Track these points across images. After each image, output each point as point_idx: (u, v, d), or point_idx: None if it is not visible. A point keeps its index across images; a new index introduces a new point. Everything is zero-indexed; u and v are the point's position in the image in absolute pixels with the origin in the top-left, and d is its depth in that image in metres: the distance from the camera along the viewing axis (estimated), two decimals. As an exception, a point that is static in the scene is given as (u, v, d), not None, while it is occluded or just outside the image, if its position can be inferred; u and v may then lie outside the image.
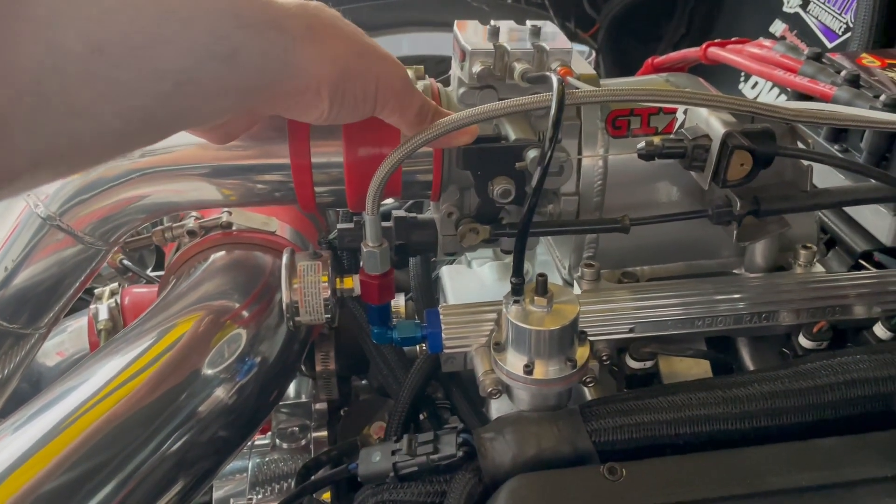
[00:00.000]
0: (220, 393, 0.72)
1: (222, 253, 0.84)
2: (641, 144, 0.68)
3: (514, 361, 0.63)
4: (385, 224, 0.72)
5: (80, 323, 1.02)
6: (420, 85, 0.70)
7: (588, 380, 0.66)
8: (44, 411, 0.68)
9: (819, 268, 0.77)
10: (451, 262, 0.99)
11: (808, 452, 0.56)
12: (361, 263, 0.66)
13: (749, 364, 0.76)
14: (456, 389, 0.79)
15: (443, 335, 0.69)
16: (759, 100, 1.45)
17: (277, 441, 0.99)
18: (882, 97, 0.78)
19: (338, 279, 0.71)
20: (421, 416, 0.85)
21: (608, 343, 0.71)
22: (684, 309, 0.72)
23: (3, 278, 0.69)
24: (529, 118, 0.70)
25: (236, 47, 0.46)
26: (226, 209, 0.87)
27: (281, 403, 1.03)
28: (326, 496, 0.85)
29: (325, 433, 0.98)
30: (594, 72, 0.73)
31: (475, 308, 0.70)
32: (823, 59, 0.91)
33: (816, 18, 1.48)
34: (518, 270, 0.62)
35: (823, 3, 1.45)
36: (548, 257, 0.89)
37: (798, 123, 0.72)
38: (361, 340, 0.90)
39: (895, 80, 0.85)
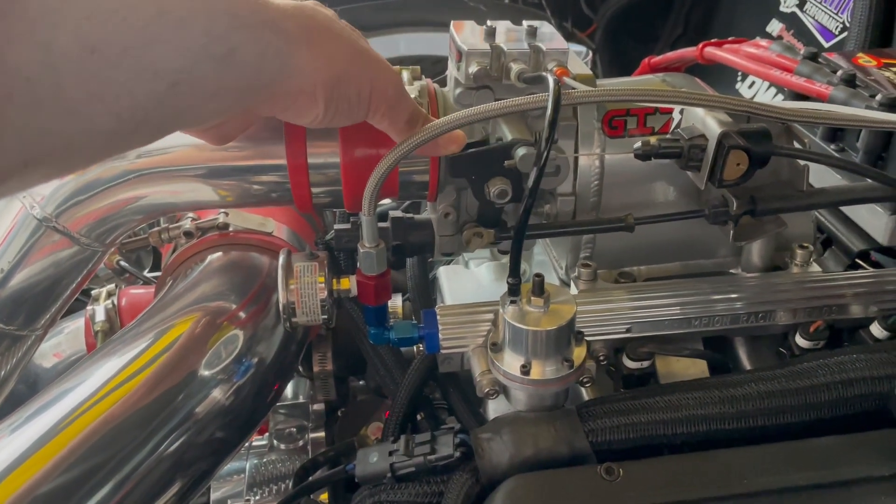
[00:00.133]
0: (218, 394, 0.72)
1: (219, 254, 0.84)
2: (638, 144, 0.68)
3: (511, 362, 0.63)
4: (382, 224, 0.72)
5: (76, 324, 1.02)
6: (417, 85, 0.70)
7: (585, 380, 0.66)
8: (41, 413, 0.68)
9: (816, 267, 0.77)
10: (449, 263, 0.99)
11: (804, 452, 0.56)
12: (358, 264, 0.66)
13: (746, 363, 0.76)
14: (453, 390, 0.79)
15: (440, 336, 0.69)
16: (755, 99, 1.46)
17: (275, 442, 0.99)
18: (878, 97, 0.78)
19: (334, 280, 0.71)
20: (418, 417, 0.85)
21: (605, 343, 0.72)
22: (681, 309, 0.72)
23: (-1, 280, 0.69)
24: (526, 118, 0.70)
25: (232, 48, 0.46)
26: (222, 210, 0.87)
27: (278, 404, 1.03)
28: (324, 497, 0.85)
29: (322, 434, 0.98)
30: (590, 72, 0.73)
31: (472, 308, 0.70)
32: (820, 59, 0.92)
33: (813, 18, 1.48)
34: (515, 271, 0.62)
35: (820, 3, 1.45)
36: (545, 257, 0.89)
37: (794, 123, 0.72)
38: (359, 341, 0.90)
39: (891, 80, 0.86)
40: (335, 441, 0.97)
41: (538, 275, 0.62)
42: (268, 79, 0.49)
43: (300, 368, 0.95)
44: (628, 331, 0.72)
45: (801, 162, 0.72)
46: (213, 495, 0.95)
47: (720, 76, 1.54)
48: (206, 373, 0.72)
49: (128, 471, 0.67)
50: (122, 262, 1.05)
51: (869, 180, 0.74)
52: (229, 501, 0.94)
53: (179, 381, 0.71)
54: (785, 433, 0.60)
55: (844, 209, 0.88)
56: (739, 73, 1.58)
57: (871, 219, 0.83)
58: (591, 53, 1.86)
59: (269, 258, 0.84)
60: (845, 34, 1.35)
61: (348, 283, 0.71)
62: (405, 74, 0.72)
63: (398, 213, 0.75)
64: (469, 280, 0.94)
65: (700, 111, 0.69)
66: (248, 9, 0.47)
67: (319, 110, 0.53)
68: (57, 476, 0.64)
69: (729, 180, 0.66)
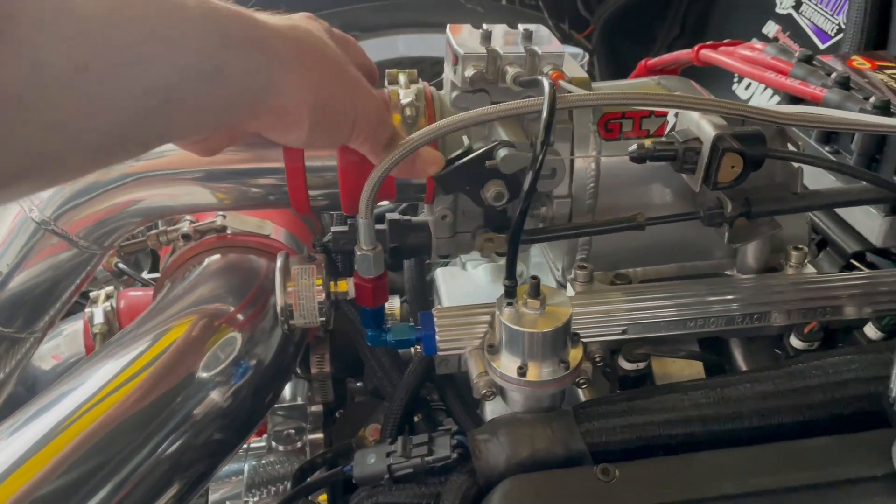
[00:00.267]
0: (216, 396, 0.73)
1: (217, 256, 0.84)
2: (633, 147, 0.68)
3: (508, 363, 0.63)
4: (379, 227, 0.73)
5: (75, 326, 1.02)
6: (413, 89, 0.70)
7: (581, 381, 0.66)
8: (39, 415, 0.68)
9: (810, 269, 0.77)
10: (446, 264, 0.99)
11: (799, 452, 0.57)
12: (355, 266, 0.67)
13: (741, 365, 0.77)
14: (450, 391, 0.80)
15: (437, 338, 0.69)
16: (752, 101, 1.46)
17: (273, 443, 0.99)
18: (872, 99, 0.79)
19: (332, 282, 0.71)
20: (416, 418, 0.85)
21: (601, 344, 0.72)
22: (677, 310, 0.72)
23: (-2, 283, 0.69)
24: (522, 122, 0.71)
25: (221, 65, 0.46)
26: (220, 213, 0.87)
27: (276, 406, 1.03)
28: (322, 498, 0.86)
29: (320, 435, 0.98)
30: (586, 75, 0.74)
31: (469, 310, 0.70)
32: (814, 62, 0.92)
33: (809, 20, 1.48)
34: (511, 273, 0.63)
35: (815, 5, 1.46)
36: (541, 259, 0.89)
37: (788, 126, 0.73)
38: (356, 343, 0.90)
39: (886, 83, 0.86)
40: (333, 442, 0.97)
41: (534, 277, 0.62)
42: (254, 95, 0.49)
43: (298, 370, 0.95)
44: (624, 332, 0.72)
45: (796, 164, 0.73)
46: (212, 497, 0.95)
47: (716, 77, 1.54)
48: (204, 375, 0.73)
49: (126, 472, 0.67)
50: (121, 265, 1.06)
51: (863, 182, 0.75)
52: (228, 502, 0.94)
53: (178, 384, 0.71)
54: (780, 434, 0.60)
55: (839, 211, 0.88)
56: (736, 75, 1.58)
57: (866, 220, 0.83)
58: (587, 56, 1.86)
59: (266, 261, 0.84)
60: (841, 36, 1.35)
61: (346, 286, 0.71)
62: (402, 78, 0.72)
63: (395, 216, 0.76)
64: (466, 282, 0.94)
65: (695, 114, 0.69)
66: (239, 26, 0.48)
67: (304, 131, 0.54)
68: (56, 478, 0.64)
69: (724, 183, 0.67)
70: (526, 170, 0.60)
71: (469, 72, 0.67)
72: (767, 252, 0.78)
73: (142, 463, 0.68)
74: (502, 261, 0.92)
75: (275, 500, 0.92)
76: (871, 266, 0.85)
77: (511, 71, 0.67)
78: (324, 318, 0.73)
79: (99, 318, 0.98)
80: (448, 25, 0.72)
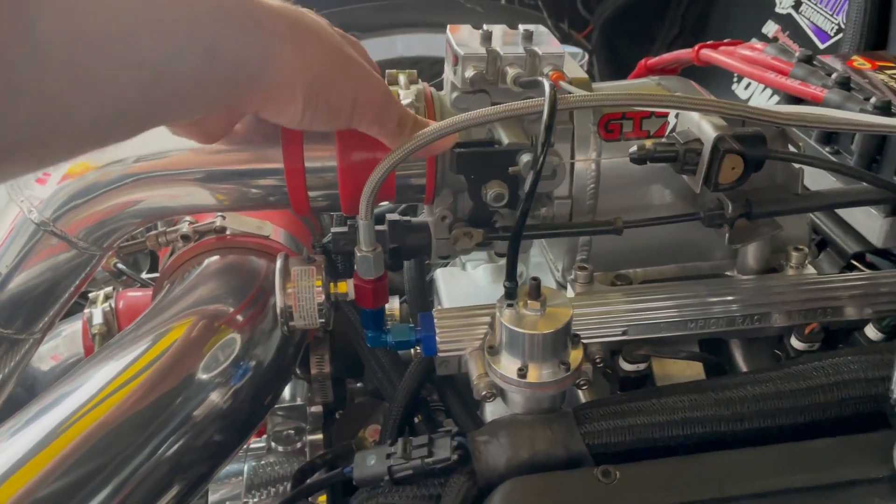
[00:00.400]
0: (215, 397, 0.73)
1: (216, 257, 0.84)
2: (633, 148, 0.68)
3: (508, 365, 0.63)
4: (379, 228, 0.72)
5: (74, 327, 1.02)
6: (413, 89, 0.70)
7: (582, 382, 0.66)
8: (39, 416, 0.68)
9: (811, 269, 0.77)
10: (446, 265, 0.99)
11: (800, 454, 0.57)
12: (355, 268, 0.67)
13: (742, 366, 0.77)
14: (450, 392, 0.80)
15: (437, 339, 0.69)
16: (752, 101, 1.46)
17: (273, 444, 0.99)
18: (872, 100, 0.79)
19: (332, 283, 0.71)
20: (416, 420, 0.85)
21: (601, 346, 0.72)
22: (677, 311, 0.72)
23: (-3, 284, 0.69)
24: (522, 122, 0.70)
25: (215, 40, 0.46)
26: (220, 213, 0.87)
27: (276, 406, 1.03)
28: (322, 499, 0.86)
29: (320, 436, 0.98)
30: (586, 75, 0.73)
31: (469, 311, 0.70)
32: (814, 62, 0.92)
33: (808, 19, 1.48)
34: (511, 274, 0.62)
35: (815, 4, 1.46)
36: (541, 259, 0.89)
37: (788, 126, 0.73)
38: (356, 344, 0.90)
39: (886, 83, 0.86)
40: (333, 443, 0.97)
41: (535, 278, 0.62)
42: (249, 71, 0.49)
43: (298, 371, 0.95)
44: (625, 333, 0.72)
45: (796, 165, 0.73)
46: (212, 497, 0.95)
47: (716, 77, 1.54)
48: (203, 376, 0.73)
49: (126, 474, 0.67)
50: (120, 265, 1.05)
51: (863, 183, 0.75)
52: (227, 503, 0.94)
53: (177, 385, 0.71)
54: (781, 435, 0.60)
55: (839, 211, 0.88)
56: (736, 74, 1.58)
57: (866, 221, 0.83)
58: (586, 56, 1.86)
59: (266, 261, 0.84)
60: (840, 36, 1.35)
61: (346, 287, 0.71)
62: (402, 78, 0.72)
63: (395, 216, 0.75)
64: (466, 282, 0.94)
65: (695, 115, 0.69)
66: (235, 3, 0.47)
67: (298, 109, 0.53)
68: (55, 479, 0.64)
69: (724, 184, 0.67)
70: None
71: (469, 72, 0.67)
72: (768, 253, 0.78)
73: (142, 464, 0.68)
74: (502, 261, 0.92)
75: (274, 501, 0.92)
76: (871, 267, 0.85)
77: (511, 72, 0.67)
78: (323, 320, 0.73)
79: (98, 319, 0.98)
80: (448, 26, 0.72)
